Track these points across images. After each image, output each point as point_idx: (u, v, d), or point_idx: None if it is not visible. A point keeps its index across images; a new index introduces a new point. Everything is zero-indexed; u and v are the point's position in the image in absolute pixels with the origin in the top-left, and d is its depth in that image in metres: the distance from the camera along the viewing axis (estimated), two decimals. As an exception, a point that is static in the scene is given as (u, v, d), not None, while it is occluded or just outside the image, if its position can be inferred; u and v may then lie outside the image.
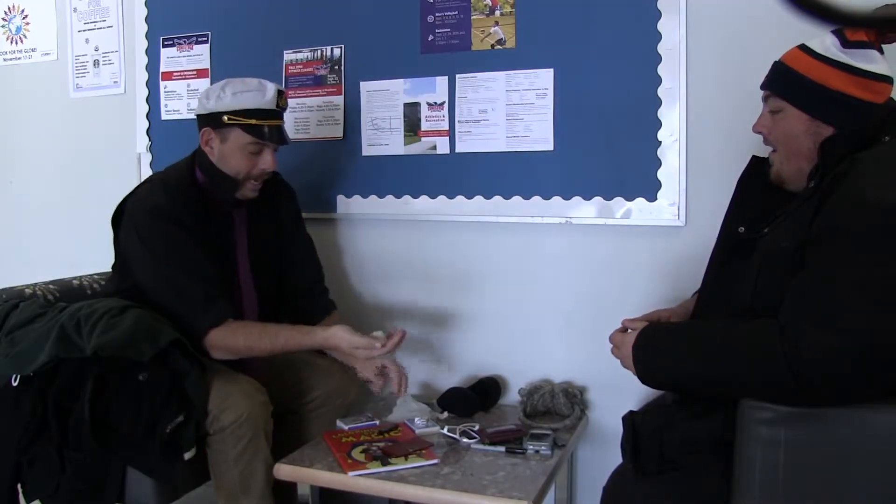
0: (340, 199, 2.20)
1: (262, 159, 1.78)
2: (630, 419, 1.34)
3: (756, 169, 1.44)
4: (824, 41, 1.29)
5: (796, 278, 1.16)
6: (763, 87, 1.38)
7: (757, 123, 1.40)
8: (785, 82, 1.33)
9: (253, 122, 1.74)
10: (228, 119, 1.74)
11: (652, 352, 1.31)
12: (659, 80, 1.84)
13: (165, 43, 2.42)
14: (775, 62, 1.37)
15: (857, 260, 1.11)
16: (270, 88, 1.77)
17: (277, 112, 1.79)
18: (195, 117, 1.83)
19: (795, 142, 1.32)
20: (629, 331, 1.38)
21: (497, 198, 2.01)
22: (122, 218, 1.77)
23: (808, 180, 1.29)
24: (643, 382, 1.33)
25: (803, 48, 1.32)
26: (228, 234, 1.84)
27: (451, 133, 2.05)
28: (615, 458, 1.42)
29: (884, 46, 1.30)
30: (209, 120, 1.77)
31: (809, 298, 1.13)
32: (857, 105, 1.25)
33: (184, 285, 1.67)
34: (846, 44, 1.26)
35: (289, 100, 2.21)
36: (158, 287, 1.70)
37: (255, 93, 1.76)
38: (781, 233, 1.23)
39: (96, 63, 2.57)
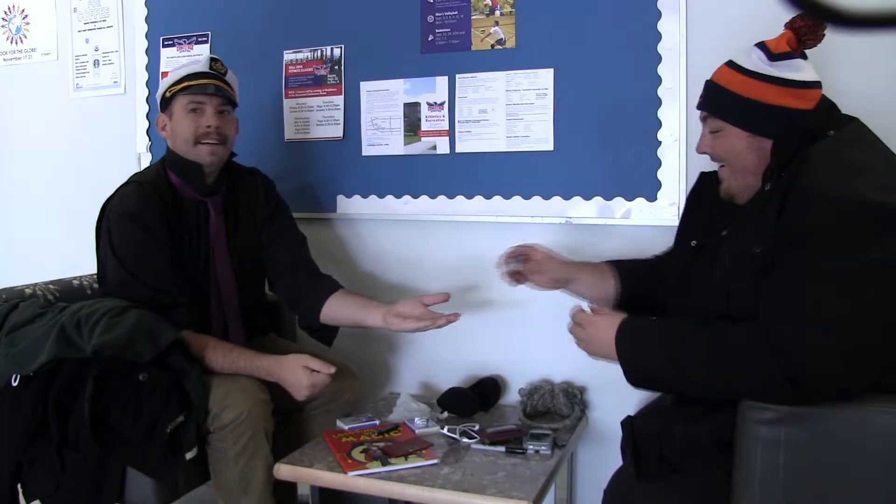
0: (340, 199, 2.20)
1: (205, 117, 1.83)
2: (629, 424, 1.33)
3: (705, 185, 1.44)
4: (751, 56, 1.29)
5: (768, 280, 1.16)
6: (699, 107, 1.38)
7: (699, 144, 1.40)
8: (721, 102, 1.33)
9: (187, 83, 1.82)
10: (169, 93, 1.84)
11: (639, 354, 1.26)
12: (659, 80, 1.83)
13: (165, 43, 2.42)
14: (707, 81, 1.37)
15: (827, 253, 1.11)
16: (204, 57, 1.87)
17: (212, 73, 1.84)
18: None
19: (740, 158, 1.32)
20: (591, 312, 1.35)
21: (497, 198, 2.01)
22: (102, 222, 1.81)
23: (763, 182, 1.28)
24: (631, 383, 1.28)
25: (732, 65, 1.32)
26: (203, 226, 1.85)
27: (451, 133, 2.05)
28: (615, 459, 1.42)
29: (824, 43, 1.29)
30: (160, 107, 1.88)
31: (787, 298, 1.13)
32: (795, 115, 1.26)
33: (136, 293, 1.69)
34: (772, 57, 1.27)
35: (289, 100, 2.23)
36: (116, 289, 1.72)
37: (189, 65, 1.87)
38: (748, 235, 1.22)
39: (96, 63, 2.57)
